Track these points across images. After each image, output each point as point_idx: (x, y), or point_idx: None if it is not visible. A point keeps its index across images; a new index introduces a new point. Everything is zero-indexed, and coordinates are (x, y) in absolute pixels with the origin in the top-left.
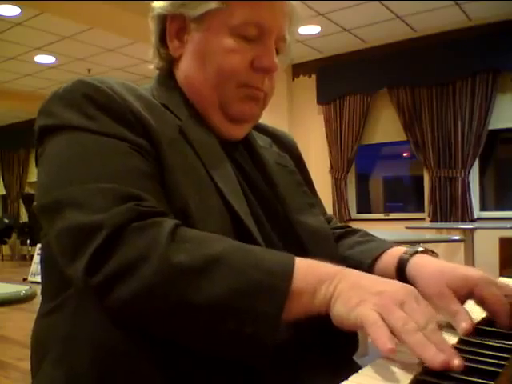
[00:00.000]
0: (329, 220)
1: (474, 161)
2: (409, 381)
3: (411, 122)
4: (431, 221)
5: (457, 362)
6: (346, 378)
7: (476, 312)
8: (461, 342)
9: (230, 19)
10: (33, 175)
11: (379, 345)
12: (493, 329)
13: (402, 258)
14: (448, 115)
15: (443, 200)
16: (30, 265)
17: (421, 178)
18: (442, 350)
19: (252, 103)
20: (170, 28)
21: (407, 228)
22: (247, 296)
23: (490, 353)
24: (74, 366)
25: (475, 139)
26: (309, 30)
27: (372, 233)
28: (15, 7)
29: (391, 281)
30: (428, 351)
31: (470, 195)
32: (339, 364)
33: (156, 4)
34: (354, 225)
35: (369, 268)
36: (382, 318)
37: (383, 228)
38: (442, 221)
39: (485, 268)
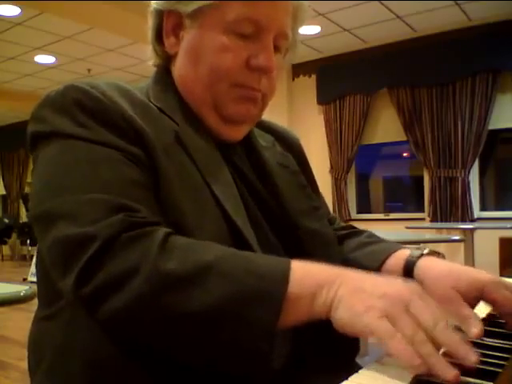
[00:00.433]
0: (332, 220)
1: (473, 161)
2: (409, 380)
3: (411, 122)
4: (431, 221)
5: (472, 359)
6: (346, 378)
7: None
8: None
9: (224, 15)
10: None
11: (406, 362)
12: (493, 329)
13: (408, 261)
14: (448, 115)
15: (443, 200)
16: (30, 265)
17: (421, 178)
18: (456, 350)
19: (248, 104)
20: (167, 24)
21: (407, 228)
22: (241, 303)
23: (490, 353)
24: (65, 378)
25: (475, 139)
26: (309, 29)
27: None
28: (15, 7)
29: (393, 280)
30: (437, 364)
31: (470, 195)
32: (340, 366)
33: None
34: (354, 225)
35: (375, 272)
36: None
37: (383, 228)
38: (442, 221)
39: (485, 268)
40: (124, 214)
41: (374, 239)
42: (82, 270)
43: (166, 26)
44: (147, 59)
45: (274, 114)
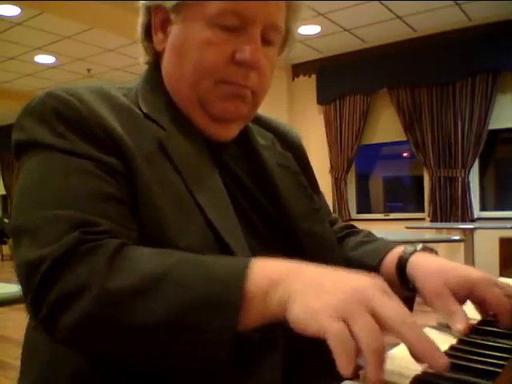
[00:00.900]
0: (333, 222)
1: (473, 161)
2: (409, 380)
3: (411, 122)
4: (431, 221)
5: (440, 361)
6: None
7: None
8: (461, 342)
9: (207, 8)
10: None
11: (340, 369)
12: (493, 329)
13: (401, 257)
14: (448, 115)
15: (443, 200)
16: None
17: (421, 178)
18: (422, 351)
19: (237, 101)
20: (155, 20)
21: (407, 228)
22: (196, 311)
23: (490, 353)
24: None
25: (475, 139)
26: (309, 29)
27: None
28: (15, 7)
29: (356, 275)
30: (374, 372)
31: (470, 195)
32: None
33: None
34: (354, 225)
35: (374, 270)
36: (348, 325)
37: (383, 228)
38: (442, 221)
39: (485, 268)
40: (81, 231)
41: (372, 238)
42: (35, 292)
43: (154, 22)
44: (138, 57)
45: (273, 114)
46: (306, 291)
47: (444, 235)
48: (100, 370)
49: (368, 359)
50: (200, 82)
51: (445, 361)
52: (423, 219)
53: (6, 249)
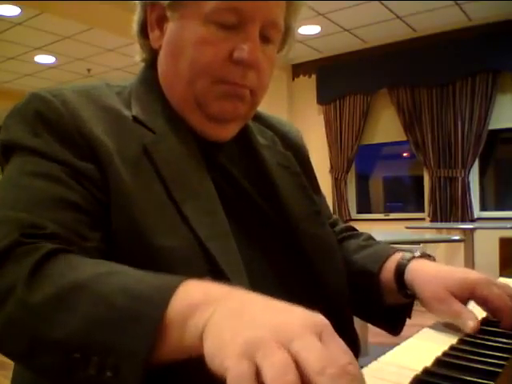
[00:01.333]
0: (334, 224)
1: (473, 161)
2: (409, 380)
3: (411, 122)
4: (431, 221)
5: None
6: None
7: (476, 312)
8: (461, 341)
9: (204, 5)
10: None
11: None
12: (493, 329)
13: (399, 264)
14: (448, 115)
15: (443, 200)
16: None
17: (421, 178)
18: None
19: (235, 101)
20: (151, 16)
21: (407, 228)
22: (108, 327)
23: (490, 353)
24: None
25: (475, 139)
26: (309, 29)
27: (372, 233)
28: (15, 7)
29: (293, 309)
30: None
31: (470, 195)
32: None
33: None
34: (354, 225)
35: (375, 275)
36: (258, 366)
37: (383, 228)
38: (442, 221)
39: (485, 268)
40: (22, 233)
41: (371, 242)
42: None
43: (150, 19)
44: (134, 55)
45: (273, 114)
46: (223, 321)
47: (444, 235)
48: None
49: None
50: (196, 81)
51: None
52: (423, 219)
53: None
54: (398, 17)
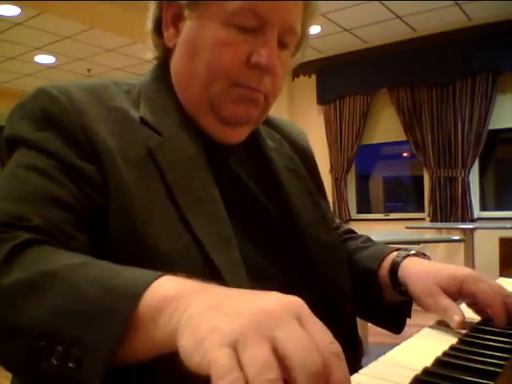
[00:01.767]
0: (337, 228)
1: (473, 161)
2: (409, 380)
3: (411, 122)
4: (431, 221)
5: None
6: None
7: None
8: (461, 342)
9: (225, 5)
10: None
11: None
12: (493, 329)
13: (394, 262)
14: (448, 115)
15: (443, 200)
16: None
17: (421, 178)
18: None
19: (249, 105)
20: (166, 14)
21: (407, 228)
22: (76, 318)
23: (490, 353)
24: None
25: (475, 139)
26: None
27: (372, 233)
28: (15, 7)
29: (270, 294)
30: None
31: (470, 195)
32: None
33: None
34: (354, 225)
35: (375, 273)
36: (238, 355)
37: (383, 228)
38: (441, 221)
39: (485, 268)
40: (3, 222)
41: (370, 243)
42: None
43: (166, 17)
44: (148, 59)
45: (273, 114)
46: (200, 314)
47: (444, 235)
48: None
49: None
50: (212, 83)
51: None
52: (423, 219)
53: None
54: (398, 17)
